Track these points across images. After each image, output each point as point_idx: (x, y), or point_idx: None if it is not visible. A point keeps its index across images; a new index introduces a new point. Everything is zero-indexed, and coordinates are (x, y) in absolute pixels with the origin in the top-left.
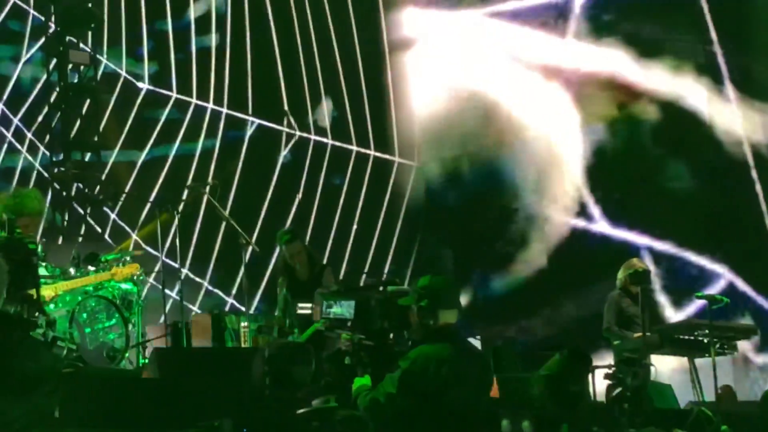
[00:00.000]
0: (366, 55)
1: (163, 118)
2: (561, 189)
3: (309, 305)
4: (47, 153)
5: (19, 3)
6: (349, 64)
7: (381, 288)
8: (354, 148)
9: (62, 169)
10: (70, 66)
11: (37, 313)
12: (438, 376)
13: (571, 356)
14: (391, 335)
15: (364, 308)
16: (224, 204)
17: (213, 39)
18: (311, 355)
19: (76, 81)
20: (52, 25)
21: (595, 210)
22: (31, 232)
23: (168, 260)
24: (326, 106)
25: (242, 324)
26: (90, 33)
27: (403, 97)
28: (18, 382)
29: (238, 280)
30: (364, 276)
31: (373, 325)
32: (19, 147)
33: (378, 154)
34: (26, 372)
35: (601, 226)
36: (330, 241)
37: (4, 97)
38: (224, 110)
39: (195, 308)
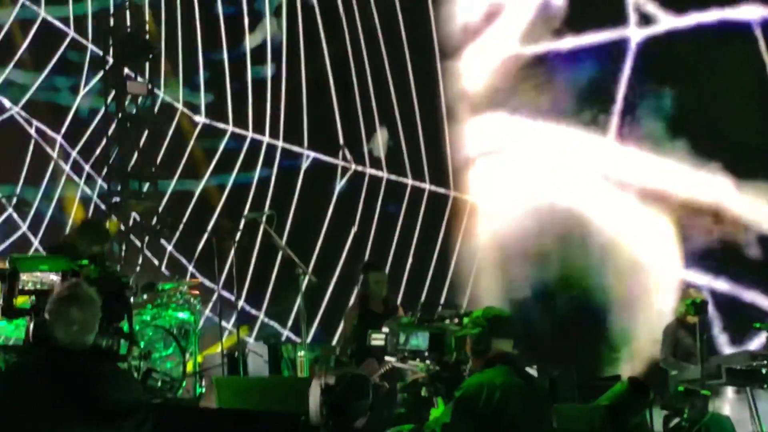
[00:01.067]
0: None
1: (220, 149)
2: None
3: (382, 335)
4: (104, 184)
5: (77, 37)
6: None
7: (456, 320)
8: (409, 181)
9: (118, 199)
10: (128, 97)
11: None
12: (491, 402)
13: (632, 387)
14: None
15: (439, 339)
16: (280, 234)
17: (268, 69)
18: (369, 385)
19: (134, 112)
20: (110, 58)
21: None
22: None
23: (225, 292)
24: (381, 135)
25: (299, 354)
26: (147, 64)
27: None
28: (109, 413)
29: (294, 309)
30: (439, 308)
31: (447, 356)
32: (76, 179)
33: (433, 188)
34: (116, 403)
35: None
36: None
37: (64, 127)
38: (280, 143)
39: (251, 339)
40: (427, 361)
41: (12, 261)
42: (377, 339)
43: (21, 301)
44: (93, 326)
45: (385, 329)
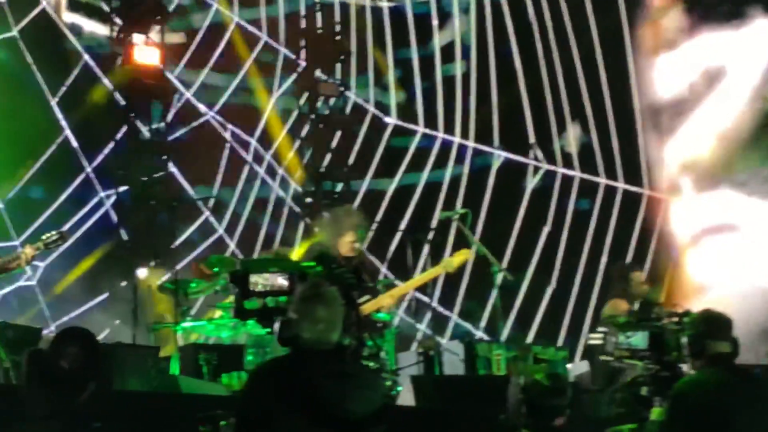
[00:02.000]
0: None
1: (411, 148)
2: None
3: (600, 334)
4: (297, 187)
5: (270, 41)
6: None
7: (676, 319)
8: (602, 180)
9: (311, 200)
10: (320, 98)
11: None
12: (704, 401)
13: None
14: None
15: (659, 339)
16: (472, 232)
17: (458, 67)
18: (567, 384)
19: (326, 113)
20: (302, 60)
21: None
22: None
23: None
24: (573, 132)
25: (495, 352)
26: (338, 65)
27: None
28: (359, 413)
29: (488, 308)
30: (656, 308)
31: (667, 355)
32: (270, 181)
33: (627, 187)
34: (366, 402)
35: None
36: (579, 272)
37: (258, 128)
38: (470, 144)
39: (444, 339)
40: (646, 361)
41: (243, 263)
42: (594, 338)
43: (251, 303)
44: (338, 324)
45: (603, 328)
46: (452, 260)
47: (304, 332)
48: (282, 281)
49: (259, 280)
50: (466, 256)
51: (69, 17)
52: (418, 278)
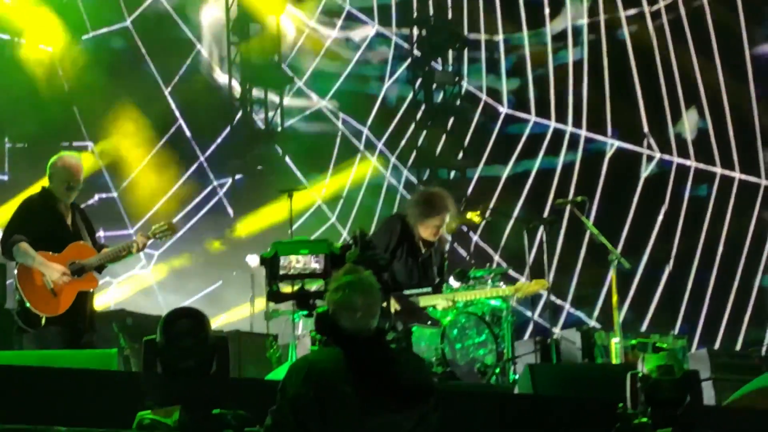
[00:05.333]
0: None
1: (524, 136)
2: None
3: None
4: (409, 175)
5: (382, 30)
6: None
7: None
8: (718, 170)
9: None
10: (434, 86)
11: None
12: None
13: None
14: None
15: None
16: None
17: (570, 54)
18: (686, 372)
19: (440, 100)
20: (416, 48)
21: None
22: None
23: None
24: (689, 118)
25: (613, 340)
26: (452, 52)
27: None
28: (407, 396)
29: (602, 296)
30: None
31: None
32: (382, 170)
33: (743, 177)
34: (414, 385)
35: None
36: (696, 259)
37: (370, 117)
38: (583, 132)
39: (556, 329)
40: None
41: (273, 245)
42: None
43: (285, 286)
44: (376, 311)
45: None
46: (527, 287)
47: (343, 321)
48: (314, 263)
49: (289, 263)
50: (542, 286)
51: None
52: (484, 291)
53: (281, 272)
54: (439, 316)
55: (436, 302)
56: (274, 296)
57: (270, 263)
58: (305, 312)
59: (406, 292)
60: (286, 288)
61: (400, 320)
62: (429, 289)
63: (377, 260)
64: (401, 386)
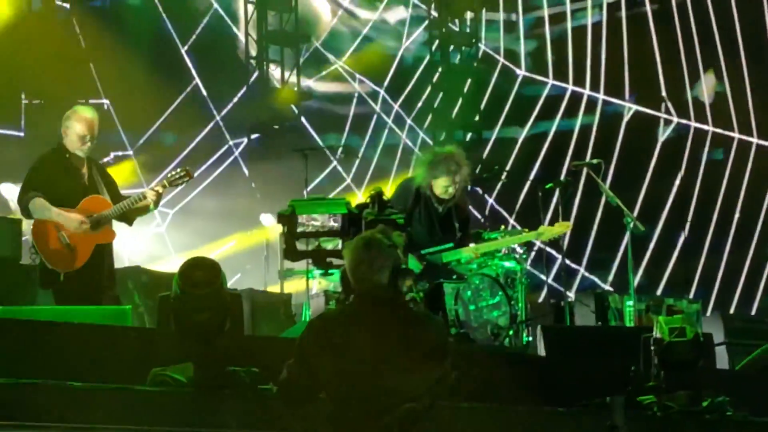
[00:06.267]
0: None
1: (542, 98)
2: None
3: None
4: (425, 136)
5: None
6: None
7: None
8: (736, 135)
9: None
10: (451, 47)
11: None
12: None
13: None
14: None
15: None
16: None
17: (589, 17)
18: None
19: (457, 62)
20: (434, 9)
21: None
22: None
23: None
24: (707, 81)
25: (627, 303)
26: (469, 13)
27: None
28: (423, 356)
29: (617, 259)
30: None
31: None
32: (398, 131)
33: (762, 142)
34: (429, 346)
35: None
36: (713, 223)
37: (387, 79)
38: (601, 96)
39: (570, 293)
40: None
41: (291, 203)
42: None
43: (303, 244)
44: (382, 264)
45: None
46: (551, 230)
47: (352, 276)
48: (332, 222)
49: (308, 221)
50: (565, 228)
51: None
52: (509, 239)
53: (299, 230)
54: (463, 270)
55: (459, 256)
56: (291, 254)
57: (288, 221)
58: (321, 270)
59: (430, 249)
60: (303, 246)
61: (425, 278)
62: (451, 244)
63: (394, 219)
64: (416, 347)
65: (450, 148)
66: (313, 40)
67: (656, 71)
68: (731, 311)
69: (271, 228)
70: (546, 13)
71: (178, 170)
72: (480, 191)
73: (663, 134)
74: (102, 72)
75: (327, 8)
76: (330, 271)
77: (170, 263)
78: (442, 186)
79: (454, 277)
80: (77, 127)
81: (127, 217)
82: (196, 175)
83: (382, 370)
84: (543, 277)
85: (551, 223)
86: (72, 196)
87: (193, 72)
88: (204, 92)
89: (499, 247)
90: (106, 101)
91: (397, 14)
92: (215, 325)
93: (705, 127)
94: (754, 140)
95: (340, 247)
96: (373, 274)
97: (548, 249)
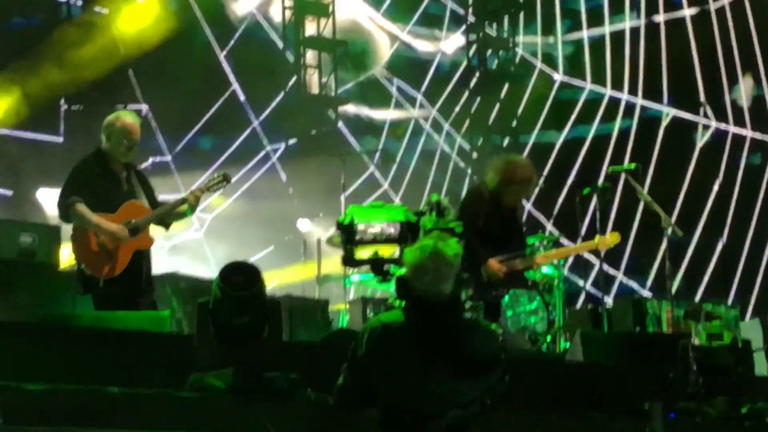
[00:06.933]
0: None
1: (580, 102)
2: None
3: None
4: (463, 142)
5: None
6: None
7: None
8: None
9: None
10: (489, 51)
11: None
12: None
13: None
14: None
15: None
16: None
17: (627, 20)
18: (739, 342)
19: (494, 66)
20: (471, 13)
21: None
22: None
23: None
24: (745, 85)
25: (665, 309)
26: (507, 17)
27: None
28: (473, 365)
29: (656, 265)
30: None
31: None
32: (436, 136)
33: None
34: (479, 355)
35: None
36: (752, 227)
37: (426, 81)
38: (639, 101)
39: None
40: None
41: (349, 211)
42: None
43: (361, 251)
44: (447, 275)
45: None
46: (606, 239)
47: (415, 283)
48: (390, 229)
49: (366, 228)
50: (617, 239)
51: None
52: (573, 248)
53: (357, 237)
54: (555, 274)
55: (531, 264)
56: (349, 261)
57: (346, 229)
58: (379, 277)
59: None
60: (361, 253)
61: (501, 285)
62: (522, 252)
63: (453, 227)
64: (466, 355)
65: (523, 158)
66: (373, 70)
67: (695, 76)
68: None
69: (307, 233)
70: (584, 17)
71: (216, 175)
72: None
73: (701, 139)
74: (140, 77)
75: (386, 40)
76: (387, 278)
77: (208, 269)
78: (514, 194)
79: (529, 283)
80: (120, 132)
81: (165, 222)
82: (233, 180)
83: (433, 376)
84: (581, 283)
85: (591, 229)
86: (112, 201)
87: (231, 77)
88: (242, 97)
89: (566, 256)
90: (144, 106)
91: (456, 42)
92: (255, 328)
93: (743, 131)
94: None
95: (397, 254)
96: (438, 284)
97: (586, 255)
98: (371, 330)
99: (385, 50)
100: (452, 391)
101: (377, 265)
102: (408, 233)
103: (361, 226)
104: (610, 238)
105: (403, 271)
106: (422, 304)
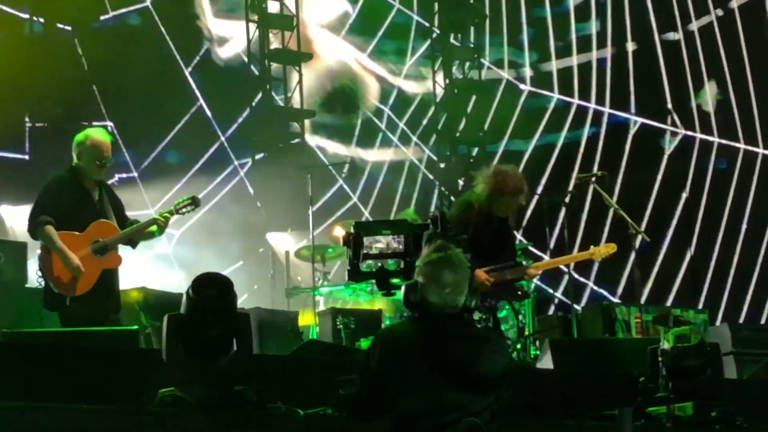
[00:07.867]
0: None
1: (548, 111)
2: None
3: None
4: (430, 153)
5: (402, 9)
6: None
7: None
8: (741, 146)
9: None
10: (455, 63)
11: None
12: None
13: None
14: None
15: None
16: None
17: (593, 26)
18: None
19: (460, 77)
20: (436, 26)
21: None
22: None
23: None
24: (710, 90)
25: (634, 315)
26: (472, 28)
27: None
28: (485, 376)
29: (625, 272)
30: None
31: None
32: (403, 149)
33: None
34: (491, 366)
35: None
36: (720, 235)
37: (393, 95)
38: (606, 110)
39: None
40: None
41: (356, 226)
42: None
43: (366, 265)
44: (464, 288)
45: None
46: (601, 250)
47: (431, 296)
48: (396, 244)
49: (372, 243)
50: (612, 249)
51: None
52: (566, 258)
53: (363, 251)
54: (524, 284)
55: (524, 274)
56: (355, 275)
57: (353, 243)
58: (383, 291)
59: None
60: (366, 267)
61: (492, 296)
62: (512, 263)
63: (459, 240)
64: (479, 366)
65: (514, 168)
66: (364, 110)
67: (662, 82)
68: (740, 321)
69: (277, 247)
70: (550, 25)
71: (185, 198)
72: None
73: (669, 147)
74: (105, 94)
75: (375, 83)
76: (392, 292)
77: (176, 284)
78: (505, 205)
79: (519, 293)
80: (91, 150)
81: (132, 241)
82: (201, 195)
83: (446, 386)
84: (551, 290)
85: (560, 237)
86: (81, 220)
87: (197, 92)
88: (208, 112)
89: (555, 265)
90: (110, 123)
91: (400, 30)
92: (226, 341)
93: (710, 138)
94: (760, 150)
95: (402, 268)
96: (456, 296)
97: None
98: (383, 340)
99: (374, 93)
100: (465, 400)
101: (382, 279)
102: (414, 247)
103: (367, 241)
104: (605, 249)
105: (412, 282)
106: (437, 316)
